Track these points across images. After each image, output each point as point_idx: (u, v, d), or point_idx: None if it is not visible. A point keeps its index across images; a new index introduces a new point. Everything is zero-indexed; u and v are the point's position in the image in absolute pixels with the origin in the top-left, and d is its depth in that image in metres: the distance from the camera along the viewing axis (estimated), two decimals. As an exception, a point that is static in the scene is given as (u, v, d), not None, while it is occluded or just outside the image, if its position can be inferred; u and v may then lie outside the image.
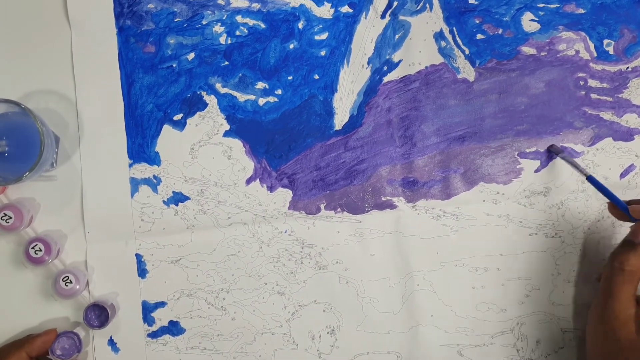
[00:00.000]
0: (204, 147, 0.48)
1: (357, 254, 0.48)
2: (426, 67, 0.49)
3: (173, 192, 0.47)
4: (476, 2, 0.49)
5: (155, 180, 0.47)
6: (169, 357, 0.47)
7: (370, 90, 0.49)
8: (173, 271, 0.47)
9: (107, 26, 0.48)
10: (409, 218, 0.48)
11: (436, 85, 0.49)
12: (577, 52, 0.49)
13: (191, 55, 0.48)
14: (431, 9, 0.48)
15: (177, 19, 0.48)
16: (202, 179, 0.48)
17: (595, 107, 0.49)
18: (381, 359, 0.48)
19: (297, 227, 0.48)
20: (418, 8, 0.48)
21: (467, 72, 0.49)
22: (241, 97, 0.48)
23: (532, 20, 0.49)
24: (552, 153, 0.48)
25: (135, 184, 0.47)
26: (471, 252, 0.48)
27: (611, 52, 0.49)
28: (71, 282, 0.44)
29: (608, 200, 0.45)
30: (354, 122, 0.49)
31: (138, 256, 0.47)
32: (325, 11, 0.48)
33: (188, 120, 0.48)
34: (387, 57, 0.49)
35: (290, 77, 0.48)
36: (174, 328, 0.47)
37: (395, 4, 0.48)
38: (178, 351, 0.47)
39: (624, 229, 0.49)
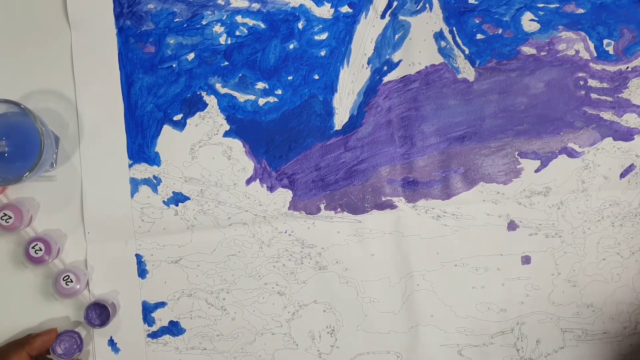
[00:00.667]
0: (204, 148, 0.48)
1: (357, 254, 0.48)
2: (426, 67, 0.49)
3: (173, 192, 0.47)
4: (476, 2, 0.49)
5: (155, 181, 0.47)
6: (169, 357, 0.47)
7: (370, 90, 0.49)
8: (173, 271, 0.47)
9: (107, 26, 0.48)
10: (409, 218, 0.48)
11: (436, 85, 0.49)
12: (577, 52, 0.49)
13: (191, 56, 0.48)
14: (431, 9, 0.49)
15: (177, 19, 0.48)
16: (202, 179, 0.48)
17: (596, 107, 0.49)
18: (381, 359, 0.48)
19: (297, 227, 0.48)
20: (418, 8, 0.49)
21: (467, 72, 0.49)
22: (241, 97, 0.48)
23: (532, 20, 0.49)
24: None
25: (135, 184, 0.47)
26: (471, 252, 0.49)
27: (611, 52, 0.50)
28: (72, 282, 0.44)
29: None
30: (354, 122, 0.49)
31: (138, 256, 0.47)
32: (325, 11, 0.48)
33: (188, 121, 0.48)
34: (387, 57, 0.49)
35: (290, 77, 0.48)
36: (174, 328, 0.47)
37: (395, 4, 0.48)
38: (178, 351, 0.47)
39: (624, 228, 0.49)
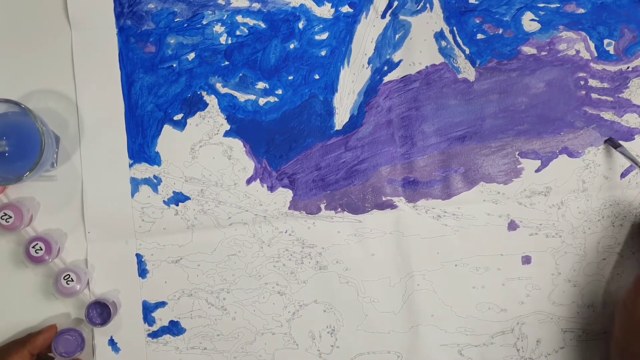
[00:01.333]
0: (204, 147, 0.48)
1: (358, 254, 0.48)
2: (426, 67, 0.49)
3: (173, 192, 0.47)
4: (476, 2, 0.49)
5: (155, 180, 0.47)
6: (169, 357, 0.47)
7: (371, 90, 0.49)
8: (173, 271, 0.47)
9: (108, 26, 0.48)
10: (409, 218, 0.48)
11: (437, 85, 0.49)
12: (578, 51, 0.49)
13: (191, 55, 0.48)
14: (431, 8, 0.49)
15: (178, 19, 0.48)
16: (202, 179, 0.48)
17: (596, 107, 0.50)
18: (382, 359, 0.48)
19: (298, 227, 0.48)
20: (418, 8, 0.49)
21: (468, 72, 0.49)
22: (241, 97, 0.48)
23: (532, 20, 0.49)
24: (610, 146, 0.47)
25: (135, 184, 0.47)
26: (471, 252, 0.49)
27: (612, 52, 0.50)
28: (72, 281, 0.44)
29: None
30: (355, 122, 0.49)
31: (138, 256, 0.47)
32: (325, 11, 0.48)
33: (188, 120, 0.48)
34: (388, 57, 0.49)
35: (290, 77, 0.48)
36: (174, 328, 0.47)
37: (395, 3, 0.48)
38: (178, 351, 0.47)
39: (624, 228, 0.49)
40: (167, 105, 0.48)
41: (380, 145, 0.49)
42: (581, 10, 0.49)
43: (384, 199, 0.49)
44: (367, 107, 0.49)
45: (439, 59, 0.49)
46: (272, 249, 0.48)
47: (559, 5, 0.49)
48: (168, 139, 0.47)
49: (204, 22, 0.48)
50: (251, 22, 0.48)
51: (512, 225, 0.49)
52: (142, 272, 0.47)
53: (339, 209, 0.48)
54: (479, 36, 0.49)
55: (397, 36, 0.49)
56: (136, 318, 0.47)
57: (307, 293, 0.48)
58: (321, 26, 0.49)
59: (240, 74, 0.48)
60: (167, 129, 0.48)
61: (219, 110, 0.48)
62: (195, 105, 0.48)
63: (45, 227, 0.47)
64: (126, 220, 0.47)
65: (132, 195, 0.47)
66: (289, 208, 0.48)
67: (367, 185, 0.49)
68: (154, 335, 0.47)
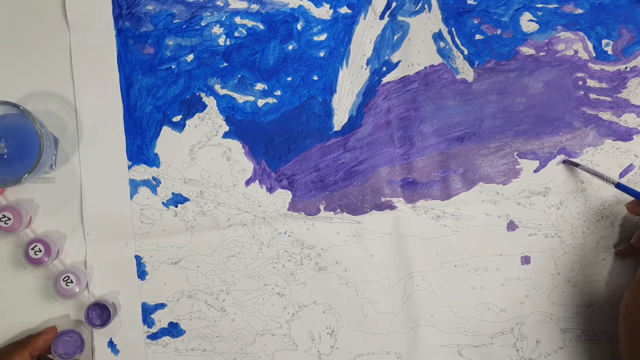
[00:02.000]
0: (203, 149, 0.48)
1: (357, 255, 0.48)
2: (425, 67, 0.49)
3: (172, 193, 0.48)
4: (475, 3, 0.49)
5: (154, 182, 0.48)
6: (169, 359, 0.47)
7: (370, 91, 0.49)
8: (173, 273, 0.47)
9: (106, 28, 0.48)
10: (408, 219, 0.49)
11: (435, 86, 0.49)
12: (576, 52, 0.50)
13: (190, 57, 0.48)
14: (430, 9, 0.49)
15: (176, 21, 0.48)
16: (201, 181, 0.48)
17: (594, 107, 0.50)
18: (381, 360, 0.48)
19: (297, 228, 0.48)
20: (417, 9, 0.49)
21: (466, 72, 0.49)
22: (240, 98, 0.48)
23: (530, 20, 0.50)
24: (570, 166, 0.48)
25: (134, 185, 0.47)
26: (471, 252, 0.49)
27: (610, 52, 0.50)
28: (72, 282, 0.44)
29: (631, 199, 0.45)
30: (353, 123, 0.49)
31: (137, 258, 0.47)
32: (324, 12, 0.49)
33: (187, 122, 0.48)
34: (386, 57, 0.49)
35: (289, 78, 0.49)
36: (173, 329, 0.47)
37: (394, 4, 0.49)
38: (178, 352, 0.47)
39: (624, 228, 0.49)
40: (166, 106, 0.48)
41: (379, 146, 0.49)
42: (579, 11, 0.50)
43: (383, 199, 0.49)
44: (366, 108, 0.49)
45: (437, 60, 0.49)
46: (272, 250, 0.48)
47: (557, 5, 0.49)
48: (167, 141, 0.48)
49: (203, 24, 0.48)
50: (250, 23, 0.49)
51: (511, 226, 0.49)
52: (142, 273, 0.47)
53: (338, 210, 0.49)
54: (478, 37, 0.49)
55: (395, 37, 0.49)
56: (135, 320, 0.47)
57: (307, 294, 0.48)
58: (320, 27, 0.49)
59: (239, 75, 0.48)
60: (165, 130, 0.48)
61: (218, 111, 0.48)
62: (194, 107, 0.48)
63: (44, 228, 0.47)
64: (125, 222, 0.47)
65: (131, 197, 0.47)
66: (288, 209, 0.48)
67: (366, 186, 0.49)
68: (154, 336, 0.47)
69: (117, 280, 0.47)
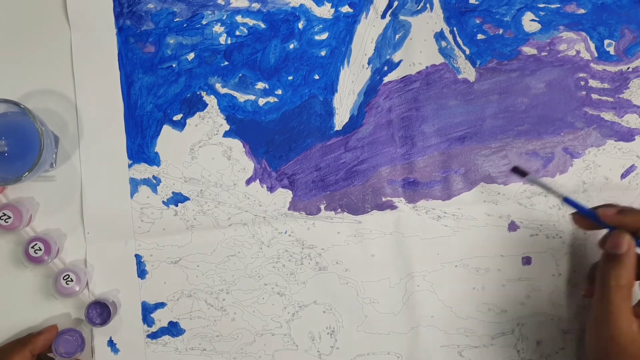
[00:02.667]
0: (203, 148, 0.48)
1: (358, 255, 0.48)
2: (427, 67, 0.49)
3: (173, 192, 0.48)
4: (477, 2, 0.49)
5: (154, 181, 0.48)
6: (168, 358, 0.47)
7: (371, 91, 0.49)
8: (173, 272, 0.47)
9: (107, 26, 0.48)
10: (409, 219, 0.49)
11: (437, 86, 0.49)
12: (578, 52, 0.50)
13: (191, 56, 0.48)
14: (432, 9, 0.49)
15: (177, 19, 0.48)
16: (201, 180, 0.48)
17: (596, 108, 0.50)
18: (381, 360, 0.48)
19: (297, 227, 0.48)
20: (418, 8, 0.49)
21: (468, 72, 0.49)
22: (241, 97, 0.48)
23: (532, 20, 0.50)
24: (517, 175, 0.44)
25: (134, 184, 0.48)
26: (472, 252, 0.49)
27: (612, 53, 0.50)
28: (72, 281, 0.44)
29: (573, 211, 0.43)
30: (354, 122, 0.49)
31: (138, 257, 0.47)
32: (325, 11, 0.49)
33: (188, 121, 0.48)
34: (388, 57, 0.49)
35: (290, 77, 0.49)
36: (173, 329, 0.47)
37: (395, 3, 0.49)
38: (178, 352, 0.47)
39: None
40: (167, 105, 0.48)
41: (380, 145, 0.49)
42: (581, 11, 0.50)
43: (383, 199, 0.49)
44: (367, 107, 0.49)
45: (439, 59, 0.49)
46: (272, 249, 0.48)
47: (559, 5, 0.50)
48: (167, 140, 0.48)
49: (204, 22, 0.48)
50: (251, 22, 0.49)
51: (513, 226, 0.49)
52: (142, 272, 0.47)
53: (339, 210, 0.49)
54: (479, 36, 0.49)
55: (397, 36, 0.49)
56: (135, 319, 0.47)
57: (307, 294, 0.48)
58: (321, 26, 0.49)
59: (240, 74, 0.49)
60: (166, 129, 0.48)
61: (219, 110, 0.48)
62: (194, 106, 0.48)
63: (45, 227, 0.47)
64: (125, 221, 0.47)
65: (132, 196, 0.47)
66: (289, 209, 0.48)
67: (367, 186, 0.49)
68: (153, 336, 0.47)
69: (117, 279, 0.47)
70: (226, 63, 0.49)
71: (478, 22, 0.50)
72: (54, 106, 0.47)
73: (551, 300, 0.49)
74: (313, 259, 0.48)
